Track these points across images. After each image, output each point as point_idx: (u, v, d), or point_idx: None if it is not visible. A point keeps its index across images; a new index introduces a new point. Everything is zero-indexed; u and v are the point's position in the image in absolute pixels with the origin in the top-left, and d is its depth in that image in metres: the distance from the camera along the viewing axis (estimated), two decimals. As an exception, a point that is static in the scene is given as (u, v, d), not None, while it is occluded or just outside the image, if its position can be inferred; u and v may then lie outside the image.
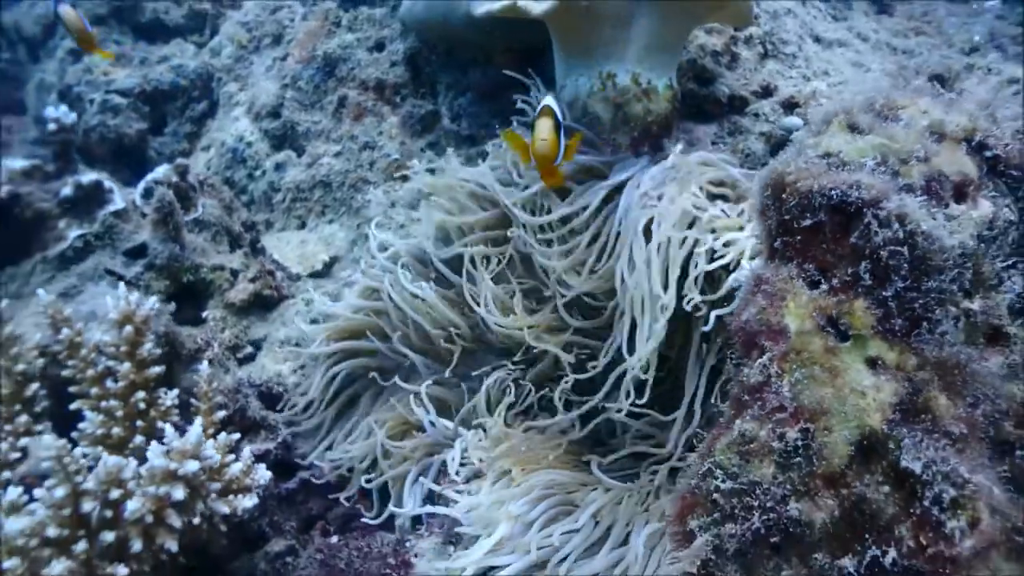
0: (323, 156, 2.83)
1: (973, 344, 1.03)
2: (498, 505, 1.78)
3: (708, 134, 2.40)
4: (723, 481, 0.98)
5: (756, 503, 0.95)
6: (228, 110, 3.27)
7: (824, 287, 1.00)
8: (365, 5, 3.02)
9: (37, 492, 1.54)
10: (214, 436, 1.90)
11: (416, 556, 1.85)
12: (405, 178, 2.74)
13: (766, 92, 2.59)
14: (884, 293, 0.97)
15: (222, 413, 1.97)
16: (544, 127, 1.85)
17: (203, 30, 3.60)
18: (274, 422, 2.27)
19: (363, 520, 2.16)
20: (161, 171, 2.58)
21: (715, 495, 0.98)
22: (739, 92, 2.49)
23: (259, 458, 2.26)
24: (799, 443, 0.94)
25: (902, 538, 0.90)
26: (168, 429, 1.61)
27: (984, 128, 1.20)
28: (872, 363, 0.97)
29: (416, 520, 2.03)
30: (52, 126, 2.40)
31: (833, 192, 1.00)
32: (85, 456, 1.75)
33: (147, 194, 2.55)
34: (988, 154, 1.18)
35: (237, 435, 1.97)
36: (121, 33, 3.61)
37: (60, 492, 1.51)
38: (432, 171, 2.70)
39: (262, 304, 2.48)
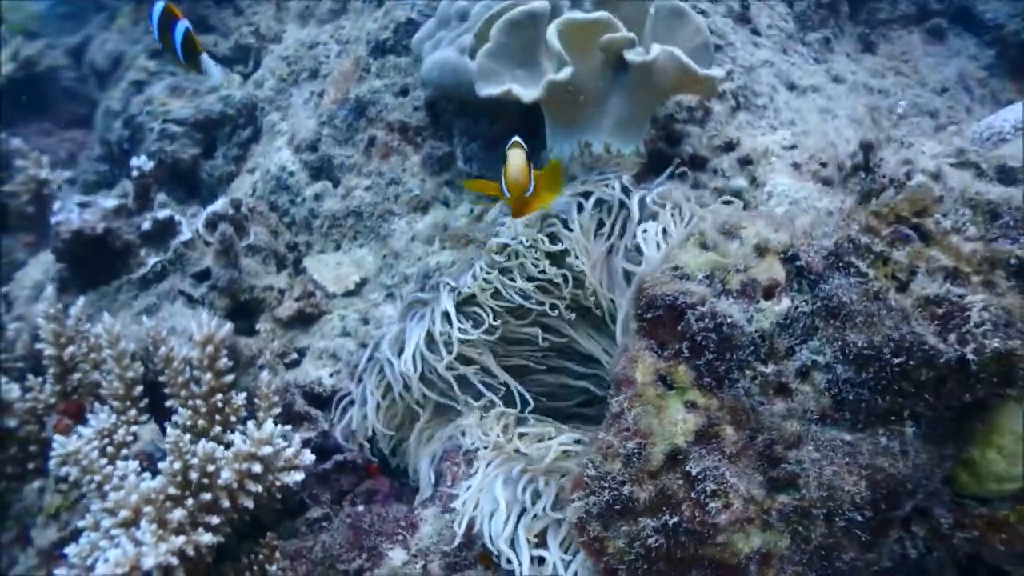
0: (355, 189, 3.68)
1: (764, 395, 1.85)
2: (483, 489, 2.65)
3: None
4: (591, 470, 1.82)
5: (607, 485, 1.80)
6: (271, 138, 4.14)
7: (660, 355, 1.84)
8: (392, 54, 3.86)
9: (161, 464, 2.43)
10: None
11: (421, 520, 2.74)
12: (425, 210, 3.61)
13: (729, 147, 3.38)
14: (697, 362, 1.81)
15: (278, 410, 2.85)
16: (516, 156, 2.33)
17: (248, 61, 4.47)
18: (315, 415, 3.15)
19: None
20: (220, 204, 3.45)
21: (586, 479, 1.83)
22: (700, 152, 3.29)
23: (303, 444, 3.19)
24: (635, 451, 1.77)
25: (684, 511, 1.75)
26: (250, 425, 2.49)
27: (798, 244, 2.00)
28: (688, 404, 1.79)
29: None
30: (135, 172, 3.28)
31: (667, 297, 1.82)
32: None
33: (208, 224, 3.43)
34: (798, 263, 1.98)
35: (289, 426, 2.86)
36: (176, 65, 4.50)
37: (177, 465, 2.41)
38: (447, 204, 3.58)
39: (304, 319, 3.36)
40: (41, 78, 5.17)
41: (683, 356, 1.84)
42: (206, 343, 2.75)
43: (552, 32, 2.79)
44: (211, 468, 2.44)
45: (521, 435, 2.94)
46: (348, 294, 3.46)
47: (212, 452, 2.43)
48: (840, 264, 1.95)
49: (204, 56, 3.04)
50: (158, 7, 2.94)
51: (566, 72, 2.78)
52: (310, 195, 3.78)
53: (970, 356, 1.73)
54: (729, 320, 1.84)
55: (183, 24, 2.95)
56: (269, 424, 2.48)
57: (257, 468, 2.42)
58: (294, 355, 3.30)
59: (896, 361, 1.81)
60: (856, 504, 1.82)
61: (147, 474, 2.51)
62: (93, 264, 3.28)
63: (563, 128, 3.04)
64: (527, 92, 2.88)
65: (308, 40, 4.25)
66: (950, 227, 2.02)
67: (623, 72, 2.90)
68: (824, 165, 3.30)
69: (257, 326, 3.32)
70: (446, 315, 2.84)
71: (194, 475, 2.42)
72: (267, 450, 2.42)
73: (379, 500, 3.07)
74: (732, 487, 1.74)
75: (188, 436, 2.66)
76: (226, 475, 2.41)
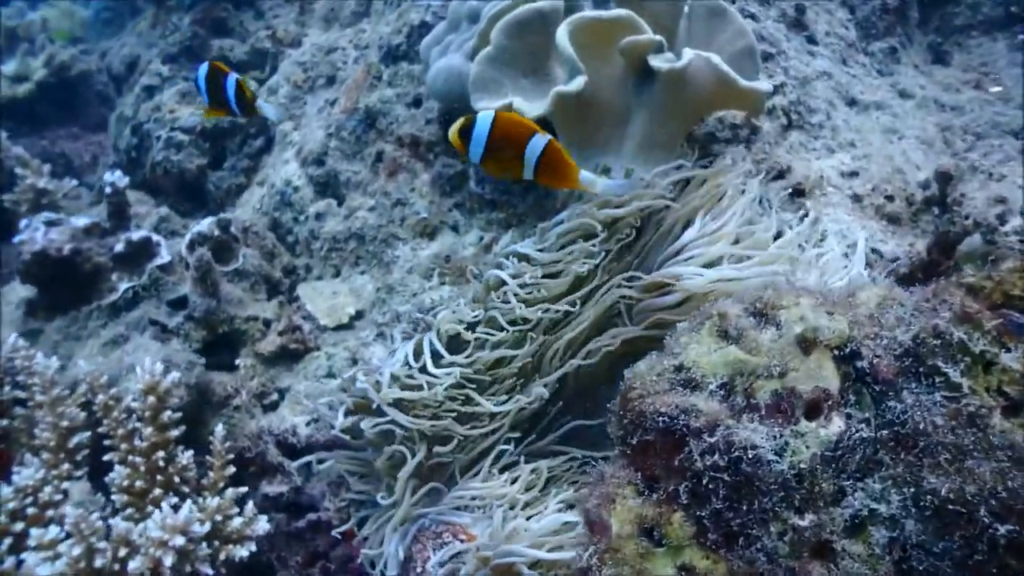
0: (359, 209, 3.07)
1: (795, 557, 1.18)
2: None
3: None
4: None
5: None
6: (282, 149, 3.56)
7: (648, 497, 1.17)
8: (404, 61, 3.24)
9: (61, 547, 1.87)
10: (222, 492, 2.22)
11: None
12: (432, 236, 2.98)
13: (779, 175, 2.67)
14: (700, 511, 1.14)
15: (231, 470, 2.27)
16: None
17: (264, 67, 3.90)
18: (288, 467, 2.57)
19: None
20: (206, 224, 2.88)
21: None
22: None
23: (273, 499, 2.60)
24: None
25: None
26: (164, 507, 1.91)
27: (860, 336, 1.30)
28: (683, 569, 1.14)
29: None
30: (108, 189, 2.73)
31: (662, 418, 1.16)
32: (112, 503, 2.13)
33: (191, 245, 2.86)
34: (859, 364, 1.29)
35: (244, 489, 2.28)
36: (190, 71, 3.96)
37: (77, 550, 1.84)
38: (456, 230, 2.96)
39: (289, 355, 2.77)
40: (73, 82, 4.72)
41: (680, 501, 1.18)
42: (148, 392, 2.18)
43: (562, 34, 2.14)
44: (124, 552, 1.86)
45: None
46: (340, 327, 2.85)
47: (126, 533, 1.86)
48: (921, 370, 1.27)
49: (259, 102, 2.68)
50: (203, 69, 2.60)
51: (578, 82, 2.12)
52: (313, 213, 3.19)
53: None
54: (751, 454, 1.18)
55: (233, 78, 2.60)
56: (185, 509, 1.90)
57: (168, 560, 1.82)
58: (274, 395, 2.71)
59: (1002, 529, 1.13)
60: None
61: (67, 543, 1.95)
62: (60, 288, 2.75)
63: (577, 149, 2.38)
64: (532, 106, 2.23)
65: (326, 45, 3.66)
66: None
67: (649, 83, 2.23)
68: (890, 199, 2.57)
69: (237, 361, 2.74)
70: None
71: (101, 561, 1.84)
72: (179, 541, 1.83)
73: (353, 569, 2.47)
74: None
75: (115, 496, 2.12)
76: (134, 564, 1.83)
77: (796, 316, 1.33)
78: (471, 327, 2.18)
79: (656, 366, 1.25)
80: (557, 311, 2.17)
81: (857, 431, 1.23)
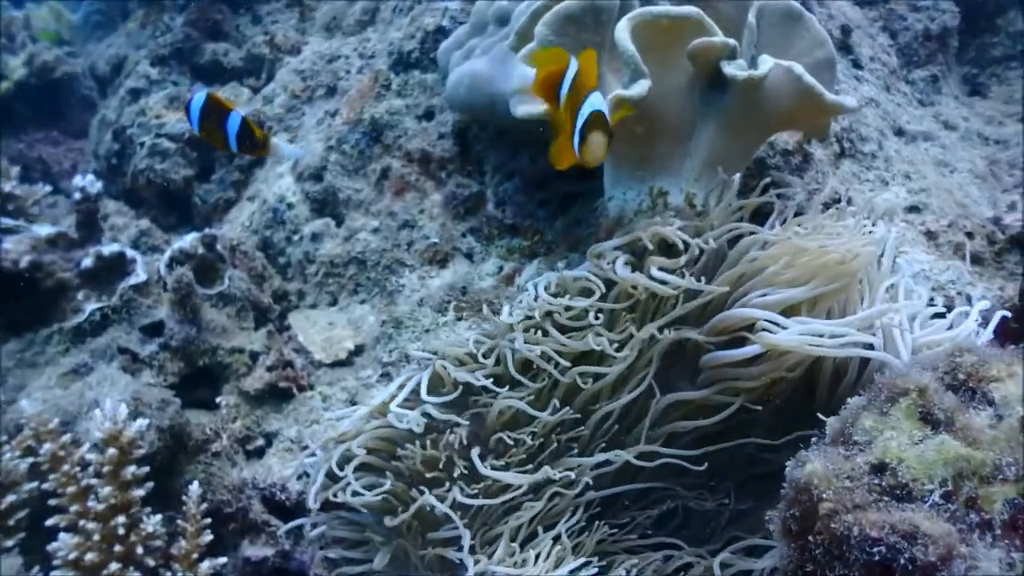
0: (360, 231, 2.63)
1: None
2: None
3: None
4: None
5: None
6: (276, 162, 3.11)
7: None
8: (417, 69, 2.81)
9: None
10: (196, 565, 1.75)
11: None
12: (443, 263, 2.55)
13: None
14: None
15: (208, 537, 1.80)
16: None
17: (260, 74, 3.45)
18: (274, 528, 2.10)
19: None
20: (189, 240, 2.42)
21: None
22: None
23: (256, 564, 2.13)
24: None
25: None
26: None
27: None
28: None
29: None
30: (77, 195, 2.27)
31: (877, 550, 0.74)
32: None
33: (171, 263, 2.40)
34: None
35: (222, 560, 1.82)
36: (180, 74, 3.50)
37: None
38: (471, 257, 2.54)
39: (278, 395, 2.31)
40: (56, 85, 4.24)
41: None
42: (109, 442, 1.71)
43: (623, 30, 1.72)
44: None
45: None
46: (338, 364, 2.40)
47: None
48: None
49: (275, 141, 2.03)
50: (198, 99, 1.94)
51: (641, 86, 1.71)
52: (308, 234, 2.74)
53: None
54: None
55: (237, 116, 1.95)
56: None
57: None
58: (260, 441, 2.25)
59: None
60: None
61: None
62: (16, 306, 2.26)
63: (630, 168, 1.96)
64: (582, 115, 1.80)
65: (328, 53, 3.22)
66: None
67: (719, 93, 1.83)
68: (970, 236, 2.18)
69: (219, 399, 2.27)
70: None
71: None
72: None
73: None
74: None
75: (58, 573, 1.64)
76: None
77: (1016, 392, 0.91)
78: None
79: (843, 465, 0.83)
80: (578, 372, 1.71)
81: None
